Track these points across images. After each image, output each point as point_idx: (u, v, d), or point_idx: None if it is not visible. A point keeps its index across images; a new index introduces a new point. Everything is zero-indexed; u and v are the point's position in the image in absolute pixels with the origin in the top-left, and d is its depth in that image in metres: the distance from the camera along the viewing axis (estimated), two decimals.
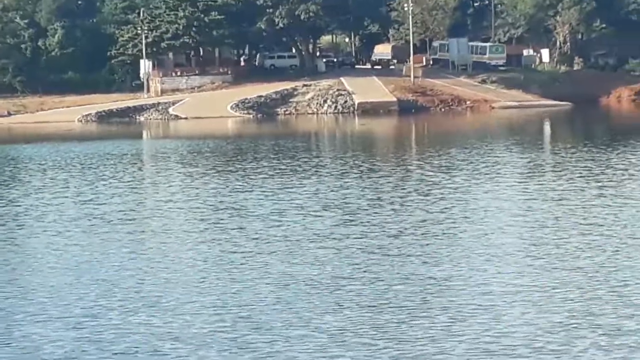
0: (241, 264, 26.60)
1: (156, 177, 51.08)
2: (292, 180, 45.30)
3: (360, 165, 52.26)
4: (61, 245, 30.53)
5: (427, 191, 40.21)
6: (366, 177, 46.23)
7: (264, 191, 41.54)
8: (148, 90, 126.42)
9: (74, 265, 27.27)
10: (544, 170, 47.51)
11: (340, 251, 27.98)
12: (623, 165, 47.36)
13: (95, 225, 33.95)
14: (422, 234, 30.32)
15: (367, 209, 35.68)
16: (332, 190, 41.24)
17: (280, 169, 51.14)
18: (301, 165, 52.81)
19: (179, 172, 51.93)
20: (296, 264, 26.34)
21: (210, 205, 38.27)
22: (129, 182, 47.81)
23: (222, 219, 34.47)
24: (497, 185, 41.81)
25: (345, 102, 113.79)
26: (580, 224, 31.30)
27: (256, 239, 30.35)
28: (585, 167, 47.25)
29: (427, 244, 28.67)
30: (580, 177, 43.40)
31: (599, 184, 40.86)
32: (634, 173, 44.54)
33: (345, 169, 50.05)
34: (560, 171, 46.39)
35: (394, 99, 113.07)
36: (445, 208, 35.40)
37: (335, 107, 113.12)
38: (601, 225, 30.80)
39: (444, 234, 30.37)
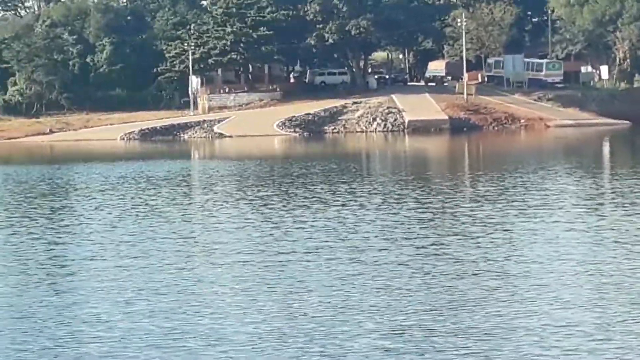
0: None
1: (192, 206, 48.16)
2: (324, 210, 41.99)
3: (400, 195, 48.69)
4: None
5: (468, 230, 36.66)
6: (405, 207, 42.64)
7: (303, 221, 38.35)
8: (196, 108, 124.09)
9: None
10: (602, 202, 43.55)
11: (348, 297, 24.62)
12: None
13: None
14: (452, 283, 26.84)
15: (395, 245, 32.24)
16: (360, 223, 37.74)
17: (317, 196, 47.87)
18: (336, 192, 49.49)
19: (211, 202, 48.90)
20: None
21: (249, 235, 35.16)
22: (161, 204, 44.92)
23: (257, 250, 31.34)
24: (549, 219, 38.08)
25: (395, 120, 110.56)
26: None
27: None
28: None
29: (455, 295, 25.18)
30: None
31: None
32: None
33: (382, 199, 46.42)
34: (622, 202, 42.45)
35: (446, 117, 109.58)
36: (487, 250, 31.77)
37: (385, 125, 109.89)
38: None
39: (481, 283, 26.83)
